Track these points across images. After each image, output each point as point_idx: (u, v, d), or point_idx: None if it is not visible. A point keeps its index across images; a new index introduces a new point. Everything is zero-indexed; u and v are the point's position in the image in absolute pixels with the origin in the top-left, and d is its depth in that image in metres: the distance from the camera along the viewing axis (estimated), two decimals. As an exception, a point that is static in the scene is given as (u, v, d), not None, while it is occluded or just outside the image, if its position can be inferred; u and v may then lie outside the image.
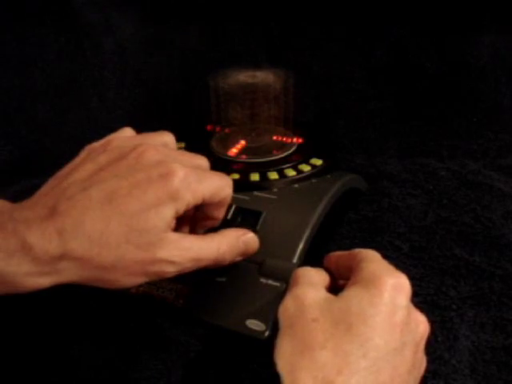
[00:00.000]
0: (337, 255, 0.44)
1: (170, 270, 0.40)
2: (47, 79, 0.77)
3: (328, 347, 0.35)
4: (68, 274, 0.38)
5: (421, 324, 0.38)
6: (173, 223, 0.41)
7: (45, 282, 0.38)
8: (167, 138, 0.46)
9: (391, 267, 0.39)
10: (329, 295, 0.38)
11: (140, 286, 0.49)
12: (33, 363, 0.47)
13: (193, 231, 0.47)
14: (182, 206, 0.40)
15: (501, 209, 0.61)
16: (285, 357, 0.36)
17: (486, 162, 0.70)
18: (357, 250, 0.42)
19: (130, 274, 0.39)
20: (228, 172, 0.56)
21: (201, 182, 0.41)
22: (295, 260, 0.48)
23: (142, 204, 0.39)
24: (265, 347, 0.45)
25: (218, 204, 0.44)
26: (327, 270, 0.43)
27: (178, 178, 0.40)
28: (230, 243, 0.44)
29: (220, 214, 0.46)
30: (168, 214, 0.39)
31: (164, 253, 0.39)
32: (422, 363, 0.39)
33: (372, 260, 0.40)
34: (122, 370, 0.46)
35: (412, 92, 0.79)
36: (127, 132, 0.46)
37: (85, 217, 0.38)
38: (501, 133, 0.75)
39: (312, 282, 0.40)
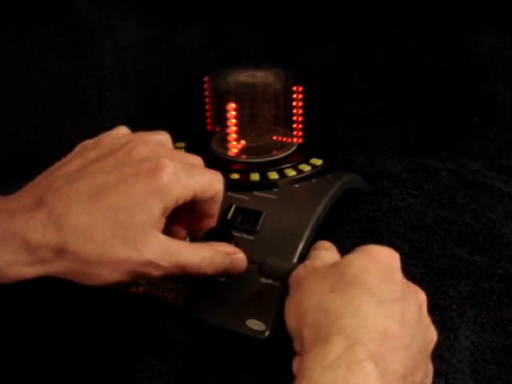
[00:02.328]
0: None
1: (155, 273, 0.40)
2: (47, 79, 0.76)
3: (336, 290, 0.37)
4: (51, 265, 0.38)
5: (418, 292, 0.39)
6: (162, 221, 0.40)
7: (28, 272, 0.38)
8: (162, 136, 0.45)
9: None
10: (343, 259, 0.41)
11: (140, 285, 0.49)
12: (33, 363, 0.47)
13: (191, 236, 0.47)
14: (171, 202, 0.40)
15: (501, 209, 0.61)
16: (292, 306, 0.39)
17: (486, 162, 0.70)
18: None
19: (114, 271, 0.39)
20: (228, 172, 0.56)
21: (191, 176, 0.41)
22: (295, 260, 0.48)
23: (129, 199, 0.38)
24: (265, 347, 0.45)
25: (211, 200, 0.44)
26: None
27: (167, 172, 0.39)
28: (218, 258, 0.43)
29: (214, 210, 0.45)
30: (156, 209, 0.39)
31: (151, 254, 0.39)
32: (429, 329, 0.39)
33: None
34: (122, 370, 0.46)
35: (412, 92, 0.79)
36: (122, 130, 0.46)
37: (70, 209, 0.38)
38: (501, 133, 0.75)
39: (322, 257, 0.43)
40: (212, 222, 0.46)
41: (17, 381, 0.47)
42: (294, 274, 0.42)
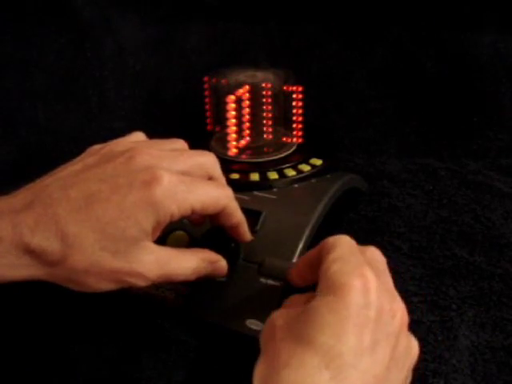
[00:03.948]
0: (306, 259, 0.42)
1: (141, 283, 0.39)
2: (47, 79, 0.77)
3: (291, 364, 0.33)
4: (37, 269, 0.37)
5: (397, 313, 0.36)
6: (156, 233, 0.39)
7: (14, 274, 0.37)
8: (178, 145, 0.44)
9: (355, 261, 0.37)
10: (302, 310, 0.36)
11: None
12: (33, 363, 0.47)
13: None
14: (164, 217, 0.38)
15: (501, 209, 0.61)
16: (257, 380, 0.35)
17: (486, 162, 0.70)
18: (322, 244, 0.40)
19: (101, 280, 0.38)
20: (228, 172, 0.56)
21: (190, 191, 0.39)
22: (295, 260, 0.48)
23: (120, 211, 0.37)
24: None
25: (221, 214, 0.42)
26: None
27: (162, 186, 0.38)
28: (201, 267, 0.42)
29: (231, 222, 0.44)
30: (147, 224, 0.38)
31: (141, 267, 0.38)
32: (408, 350, 0.37)
33: (336, 258, 0.37)
34: (122, 370, 0.46)
35: (412, 92, 0.79)
36: (137, 136, 0.45)
37: (59, 217, 0.37)
38: (501, 133, 0.75)
39: (291, 304, 0.39)
40: (236, 233, 0.45)
41: (17, 381, 0.47)
42: (262, 333, 0.38)
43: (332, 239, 0.39)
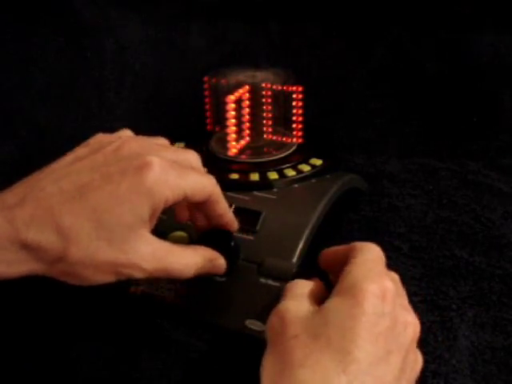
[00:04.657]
0: (333, 252, 0.43)
1: (138, 275, 0.39)
2: (47, 79, 0.77)
3: (307, 364, 0.33)
4: (34, 264, 0.37)
5: (409, 326, 0.37)
6: (153, 221, 0.39)
7: (11, 271, 0.37)
8: (161, 142, 0.44)
9: (378, 269, 0.38)
10: (313, 308, 0.37)
11: (139, 285, 0.49)
12: (33, 363, 0.47)
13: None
14: (159, 203, 0.38)
15: (501, 209, 0.61)
16: (267, 375, 0.35)
17: (486, 162, 0.70)
18: (352, 245, 0.41)
19: (97, 272, 0.38)
20: (228, 172, 0.56)
21: (181, 177, 0.40)
22: (295, 260, 0.48)
23: (115, 198, 0.37)
24: (265, 347, 0.45)
25: (208, 203, 0.43)
26: (323, 270, 0.43)
27: (154, 171, 0.38)
28: (200, 263, 0.42)
29: (216, 212, 0.44)
30: (143, 210, 0.38)
31: (137, 257, 0.38)
32: (415, 364, 0.38)
33: (360, 262, 0.38)
34: (122, 370, 0.46)
35: (412, 92, 0.79)
36: (126, 133, 0.45)
37: (53, 209, 0.37)
38: (501, 133, 0.75)
39: (298, 295, 0.39)
40: (224, 222, 0.45)
41: (16, 380, 0.47)
42: (268, 325, 0.38)
43: (360, 244, 0.41)
